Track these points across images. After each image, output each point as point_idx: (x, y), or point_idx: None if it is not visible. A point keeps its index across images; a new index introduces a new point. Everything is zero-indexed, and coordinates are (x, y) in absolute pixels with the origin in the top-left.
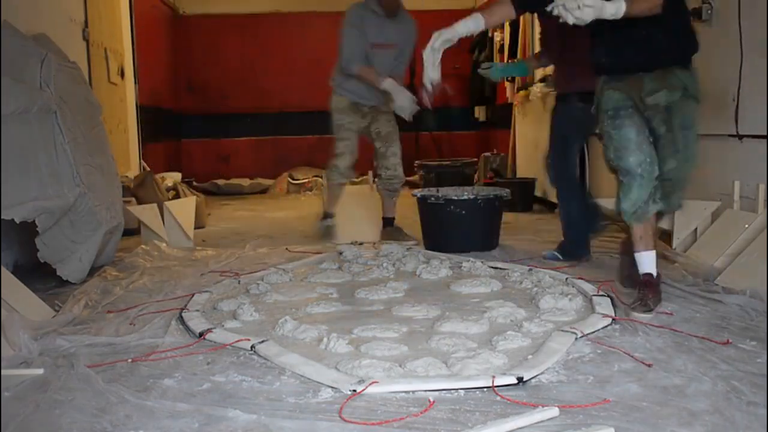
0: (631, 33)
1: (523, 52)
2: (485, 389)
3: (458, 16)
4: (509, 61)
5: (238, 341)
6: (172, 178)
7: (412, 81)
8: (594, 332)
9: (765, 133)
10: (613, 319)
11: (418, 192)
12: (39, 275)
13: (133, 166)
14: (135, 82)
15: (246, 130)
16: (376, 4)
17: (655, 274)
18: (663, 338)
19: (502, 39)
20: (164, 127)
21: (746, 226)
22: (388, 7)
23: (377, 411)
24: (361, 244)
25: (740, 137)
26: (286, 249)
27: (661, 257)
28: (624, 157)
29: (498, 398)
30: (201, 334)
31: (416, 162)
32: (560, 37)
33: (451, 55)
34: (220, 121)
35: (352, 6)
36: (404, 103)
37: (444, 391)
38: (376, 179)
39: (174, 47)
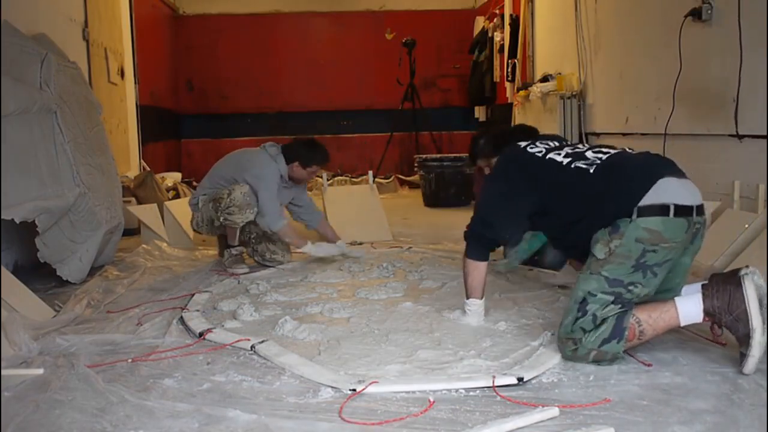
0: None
1: (523, 52)
2: (485, 389)
3: (458, 15)
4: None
5: (238, 341)
6: (172, 178)
7: (412, 80)
8: None
9: (765, 133)
10: None
11: None
12: (39, 275)
13: (133, 166)
14: (135, 82)
15: (246, 130)
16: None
17: None
18: (663, 338)
19: (502, 39)
20: (164, 127)
21: (746, 226)
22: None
23: (377, 411)
24: (360, 243)
25: (740, 137)
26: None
27: None
28: None
29: (498, 398)
30: (201, 334)
31: (416, 156)
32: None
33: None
34: (220, 121)
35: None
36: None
37: (444, 391)
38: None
39: (174, 47)
